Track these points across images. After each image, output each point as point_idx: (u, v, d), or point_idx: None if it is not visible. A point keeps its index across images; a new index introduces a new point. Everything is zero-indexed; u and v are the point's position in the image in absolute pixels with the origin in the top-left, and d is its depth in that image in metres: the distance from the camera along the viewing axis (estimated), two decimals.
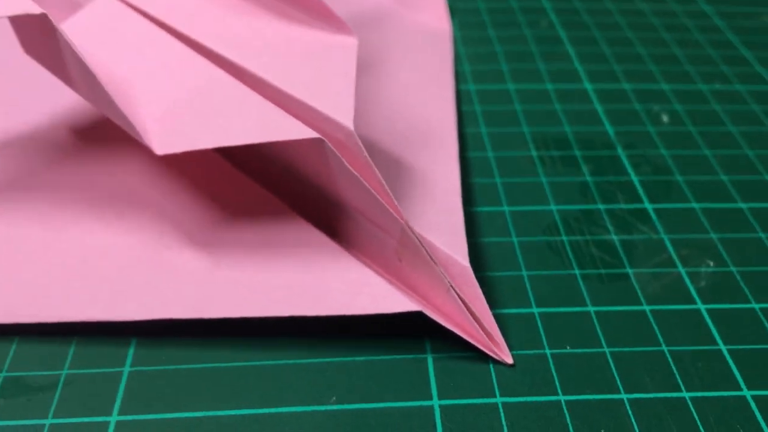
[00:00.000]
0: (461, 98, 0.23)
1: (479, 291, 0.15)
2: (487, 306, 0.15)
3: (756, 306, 0.16)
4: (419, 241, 0.15)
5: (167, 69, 0.16)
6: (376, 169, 0.15)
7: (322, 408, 0.14)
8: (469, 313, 0.15)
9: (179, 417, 0.14)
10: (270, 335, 0.15)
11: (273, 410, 0.14)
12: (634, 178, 0.20)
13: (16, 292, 0.16)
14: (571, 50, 0.25)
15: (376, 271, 0.16)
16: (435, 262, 0.15)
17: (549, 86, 0.24)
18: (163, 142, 0.15)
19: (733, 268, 0.17)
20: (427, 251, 0.15)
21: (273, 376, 0.15)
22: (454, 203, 0.17)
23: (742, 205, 0.19)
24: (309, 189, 0.16)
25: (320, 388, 0.15)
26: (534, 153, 0.21)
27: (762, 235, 0.18)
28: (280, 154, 0.16)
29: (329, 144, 0.14)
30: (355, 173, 0.14)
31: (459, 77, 0.24)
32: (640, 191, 0.20)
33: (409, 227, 0.15)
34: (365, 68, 0.23)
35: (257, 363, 0.15)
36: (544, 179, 0.20)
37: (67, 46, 0.15)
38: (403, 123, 0.20)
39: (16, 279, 0.16)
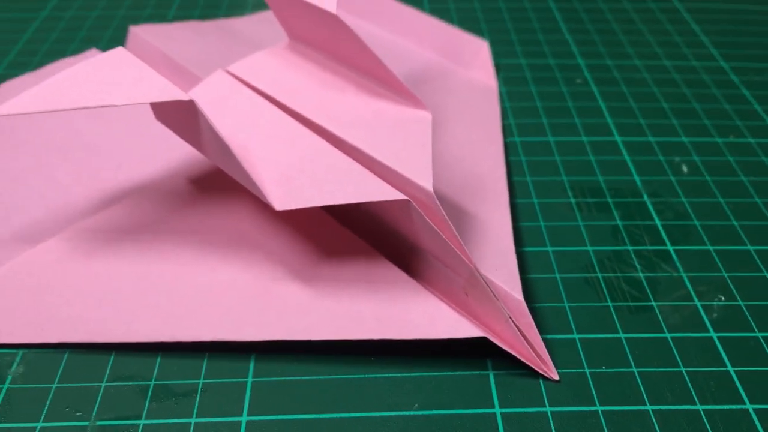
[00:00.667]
0: (508, 149, 0.27)
1: (531, 320, 0.19)
2: (537, 333, 0.19)
3: (759, 335, 0.20)
4: (485, 281, 0.19)
5: (278, 138, 0.20)
6: (450, 223, 0.18)
7: (407, 413, 0.18)
8: (523, 338, 0.19)
9: (295, 418, 0.18)
10: (362, 353, 0.19)
11: (367, 414, 0.18)
12: (658, 223, 0.24)
13: (157, 317, 0.19)
14: (602, 105, 0.29)
15: (446, 303, 0.20)
16: (497, 298, 0.18)
17: (584, 138, 0.27)
18: (281, 201, 0.18)
19: (741, 303, 0.21)
20: (490, 289, 0.18)
21: (366, 386, 0.18)
22: (507, 245, 0.21)
23: (750, 248, 0.23)
24: (392, 236, 0.20)
25: (404, 397, 0.18)
26: (572, 200, 0.24)
27: (767, 274, 0.22)
28: (370, 208, 0.20)
29: (414, 204, 0.18)
30: (435, 228, 0.18)
31: (505, 130, 0.28)
32: (663, 234, 0.23)
33: (477, 270, 0.19)
34: (436, 121, 0.27)
35: (353, 376, 0.19)
36: (581, 223, 0.24)
37: (206, 121, 0.19)
38: (461, 175, 0.24)
39: (156, 306, 0.20)
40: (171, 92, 0.18)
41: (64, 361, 0.19)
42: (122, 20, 0.35)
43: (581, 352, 0.19)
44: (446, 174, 0.24)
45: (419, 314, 0.19)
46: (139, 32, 0.30)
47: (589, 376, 0.19)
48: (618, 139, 0.27)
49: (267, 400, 0.18)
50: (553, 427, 0.18)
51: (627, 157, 0.26)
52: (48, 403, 0.18)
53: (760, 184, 0.25)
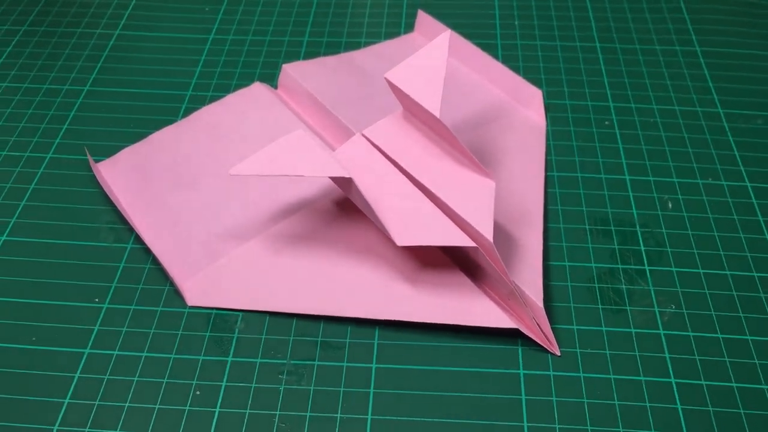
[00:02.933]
0: (548, 182, 0.38)
1: (546, 318, 0.31)
2: (549, 325, 0.31)
3: (691, 334, 0.32)
4: (518, 292, 0.31)
5: (396, 194, 0.32)
6: (500, 259, 0.30)
7: (469, 369, 0.31)
8: (539, 329, 0.31)
9: (399, 367, 0.31)
10: (443, 330, 0.32)
11: (442, 368, 0.31)
12: (642, 248, 0.35)
13: (319, 297, 0.32)
14: (620, 146, 0.40)
15: (496, 302, 0.32)
16: (525, 304, 0.31)
17: (603, 176, 0.39)
18: (400, 239, 0.31)
19: (684, 311, 0.33)
20: (521, 298, 0.31)
21: (443, 351, 0.31)
22: (537, 264, 0.33)
23: (701, 271, 0.34)
24: (467, 257, 0.33)
25: (467, 359, 0.31)
26: (587, 226, 0.36)
27: (707, 291, 0.34)
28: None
29: (481, 250, 0.30)
30: (491, 263, 0.30)
31: (548, 164, 0.39)
32: (644, 257, 0.35)
33: (515, 285, 0.31)
34: (491, 157, 0.38)
35: (433, 343, 0.32)
36: (590, 245, 0.35)
37: (356, 186, 0.31)
38: (512, 207, 0.36)
39: (319, 289, 0.33)
40: (337, 170, 0.31)
41: (266, 322, 0.32)
42: (270, 45, 0.47)
43: (576, 338, 0.32)
44: (503, 206, 0.36)
45: (476, 309, 0.32)
46: (288, 70, 0.42)
47: (579, 354, 0.31)
48: (627, 177, 0.39)
49: (385, 354, 0.31)
50: (552, 385, 0.30)
51: (630, 194, 0.38)
52: (261, 347, 0.32)
53: (721, 220, 0.37)
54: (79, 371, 0.31)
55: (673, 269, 0.34)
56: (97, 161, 0.39)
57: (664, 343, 0.32)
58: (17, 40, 0.47)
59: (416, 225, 0.31)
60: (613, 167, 0.39)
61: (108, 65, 0.45)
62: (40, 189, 0.38)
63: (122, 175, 0.38)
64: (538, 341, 0.31)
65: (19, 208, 0.37)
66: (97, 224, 0.36)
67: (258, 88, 0.42)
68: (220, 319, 0.33)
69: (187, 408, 0.30)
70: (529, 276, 0.33)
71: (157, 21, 0.49)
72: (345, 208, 0.36)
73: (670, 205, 0.37)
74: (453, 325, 0.32)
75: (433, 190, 0.32)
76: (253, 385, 0.30)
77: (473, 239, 0.31)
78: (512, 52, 0.46)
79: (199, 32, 0.48)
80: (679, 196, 0.38)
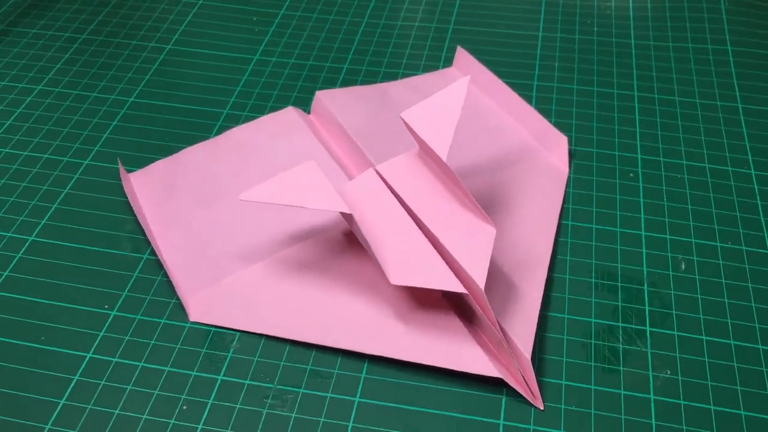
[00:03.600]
0: (560, 230, 0.38)
1: (532, 370, 0.31)
2: (534, 378, 0.31)
3: (682, 402, 0.31)
4: (508, 343, 0.31)
5: (398, 234, 0.33)
6: (491, 310, 0.31)
7: (447, 413, 0.31)
8: (524, 381, 0.31)
9: (380, 404, 0.31)
10: (430, 371, 0.32)
11: (421, 409, 0.31)
12: (647, 308, 0.35)
13: (316, 326, 0.33)
14: (641, 201, 0.40)
15: (487, 349, 0.32)
16: (511, 355, 0.31)
17: (617, 229, 0.38)
18: (394, 277, 0.31)
19: (679, 377, 0.32)
20: (509, 349, 0.31)
21: (425, 392, 0.32)
22: (532, 315, 0.33)
23: (704, 338, 0.34)
24: (461, 299, 0.33)
25: (451, 403, 0.31)
26: (593, 280, 0.36)
27: (708, 360, 0.33)
28: None
29: (471, 297, 0.31)
30: (480, 310, 0.31)
31: (563, 212, 0.39)
32: (647, 317, 0.34)
33: (505, 336, 0.31)
34: (506, 200, 0.39)
35: (416, 383, 0.32)
36: (593, 299, 0.35)
37: (356, 222, 0.32)
38: (517, 255, 0.36)
39: (317, 319, 0.33)
40: (340, 205, 0.32)
41: (261, 344, 0.33)
42: (310, 70, 0.48)
43: (563, 394, 0.32)
44: (508, 252, 0.36)
45: (464, 355, 0.32)
46: (321, 97, 0.43)
47: (563, 410, 0.31)
48: (643, 233, 0.38)
49: (370, 389, 0.32)
50: None
51: (644, 250, 0.37)
52: (252, 368, 0.33)
53: (734, 287, 0.36)
54: (78, 374, 0.32)
55: (675, 333, 0.34)
56: (129, 171, 0.41)
57: (653, 409, 0.31)
58: (75, 48, 0.50)
59: (412, 265, 0.32)
60: (630, 221, 0.39)
61: (155, 78, 0.47)
62: (72, 194, 0.40)
63: (150, 187, 0.40)
64: (523, 393, 0.31)
65: (51, 211, 0.39)
66: (119, 233, 0.38)
67: (290, 113, 0.43)
68: (218, 336, 0.34)
69: (172, 421, 0.31)
70: (522, 326, 0.33)
71: (207, 38, 0.51)
72: (353, 241, 0.36)
73: (683, 266, 0.37)
74: (440, 367, 0.32)
75: (434, 232, 0.33)
76: (238, 406, 0.31)
77: (466, 284, 0.31)
78: (547, 94, 0.46)
79: (245, 52, 0.49)
80: (694, 258, 0.37)
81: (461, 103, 0.34)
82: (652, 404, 0.31)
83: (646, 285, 0.36)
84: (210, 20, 0.52)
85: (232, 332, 0.34)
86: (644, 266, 0.37)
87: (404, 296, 0.34)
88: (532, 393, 0.31)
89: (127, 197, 0.39)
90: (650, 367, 0.33)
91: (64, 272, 0.36)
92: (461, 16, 0.53)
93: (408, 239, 0.33)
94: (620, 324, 0.34)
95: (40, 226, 0.38)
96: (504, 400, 0.32)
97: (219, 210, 0.38)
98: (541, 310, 0.35)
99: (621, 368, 0.33)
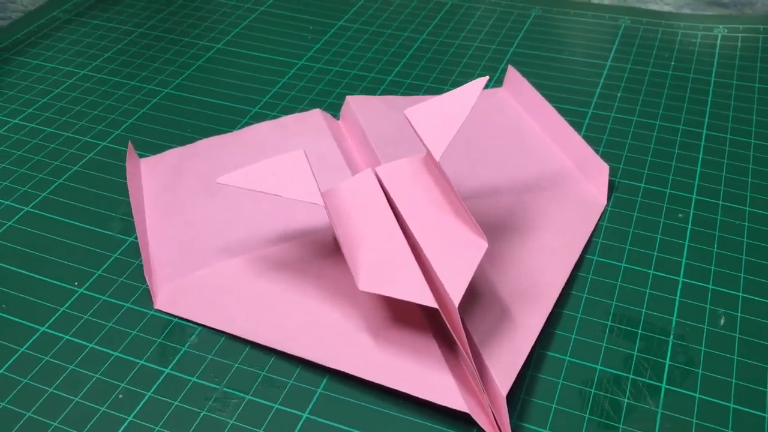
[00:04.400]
0: (582, 264, 0.33)
1: (505, 411, 0.26)
2: (507, 419, 0.26)
3: None
4: (478, 377, 0.27)
5: (381, 239, 0.29)
6: (463, 332, 0.26)
7: None
8: (495, 423, 0.26)
9: (331, 424, 0.27)
10: (395, 394, 0.28)
11: None
12: (667, 362, 0.29)
13: (282, 331, 0.30)
14: (686, 244, 0.34)
15: (462, 380, 0.28)
16: (483, 390, 0.26)
17: (651, 271, 0.33)
18: (363, 283, 0.28)
19: None
20: (480, 383, 0.26)
21: (387, 419, 0.28)
22: (523, 349, 0.29)
23: (731, 405, 0.28)
24: (443, 320, 0.29)
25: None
26: (608, 323, 0.31)
27: None
28: None
29: (442, 314, 0.27)
30: (451, 331, 0.27)
31: (589, 246, 0.34)
32: (665, 373, 0.29)
33: (476, 369, 0.27)
34: (527, 224, 0.34)
35: (377, 408, 0.28)
36: (603, 344, 0.30)
37: (332, 220, 0.29)
38: (524, 283, 0.31)
39: (284, 323, 0.30)
40: (314, 197, 0.28)
41: (220, 342, 0.30)
42: (352, 78, 0.46)
43: None
44: (511, 279, 0.32)
45: (432, 382, 0.27)
46: (350, 101, 0.41)
47: None
48: (680, 279, 0.33)
49: (322, 406, 0.28)
50: None
51: (677, 298, 0.32)
52: (203, 366, 0.30)
53: None
54: (25, 347, 0.30)
55: (697, 395, 0.28)
56: (142, 157, 0.39)
57: None
58: (129, 40, 0.50)
59: (385, 273, 0.28)
60: (669, 265, 0.33)
61: (196, 74, 0.46)
62: (81, 172, 0.39)
63: (157, 173, 0.38)
64: None
65: (54, 185, 0.38)
66: (113, 214, 0.37)
67: (315, 115, 0.41)
68: (179, 328, 0.31)
69: (103, 409, 0.28)
70: (506, 360, 0.28)
71: (258, 41, 0.49)
72: (336, 246, 0.33)
73: (722, 321, 0.31)
74: (405, 393, 0.28)
75: (418, 239, 0.29)
76: (176, 403, 0.28)
77: (441, 300, 0.27)
78: (601, 123, 0.41)
79: (291, 57, 0.48)
80: (738, 314, 0.31)
81: (471, 105, 0.30)
82: None
83: (671, 336, 0.30)
84: (266, 25, 0.51)
85: (194, 326, 0.31)
86: (674, 315, 0.31)
87: (381, 310, 0.30)
88: None
89: (126, 179, 0.38)
90: (656, 431, 0.27)
91: (47, 245, 0.35)
92: (526, 40, 0.49)
93: (388, 245, 0.29)
94: (630, 375, 0.29)
95: (38, 198, 0.37)
96: None
97: (217, 202, 0.36)
98: (538, 348, 0.30)
99: (620, 426, 0.27)
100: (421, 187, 0.31)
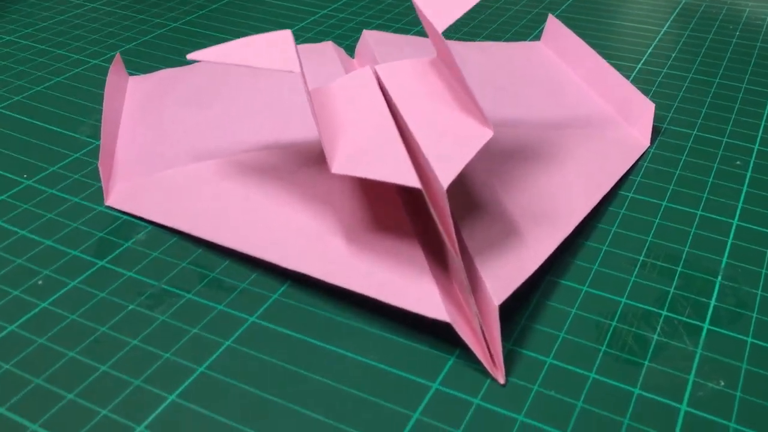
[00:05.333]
0: (613, 201, 0.28)
1: (498, 326, 0.21)
2: (499, 339, 0.21)
3: (731, 425, 0.19)
4: (467, 280, 0.21)
5: (368, 124, 0.24)
6: (452, 224, 0.21)
7: (362, 359, 0.21)
8: (483, 339, 0.21)
9: (285, 332, 0.22)
10: (365, 307, 0.23)
11: (334, 349, 0.21)
12: (712, 303, 0.23)
13: (244, 233, 0.25)
14: (744, 189, 0.28)
15: (450, 296, 0.22)
16: (470, 294, 0.21)
17: (699, 212, 0.27)
18: (338, 165, 0.23)
19: (738, 394, 0.20)
20: (468, 287, 0.21)
21: (350, 330, 0.22)
22: (528, 267, 0.23)
23: None
24: (435, 232, 0.24)
25: (371, 348, 0.21)
26: (641, 257, 0.25)
27: None
28: (414, 192, 0.24)
29: (426, 194, 0.21)
30: (436, 217, 0.21)
31: (626, 184, 0.29)
32: (709, 313, 0.23)
33: (463, 268, 0.21)
34: (550, 154, 0.29)
35: (343, 320, 0.22)
36: (632, 278, 0.24)
37: (306, 88, 0.24)
38: (539, 200, 0.26)
39: (247, 226, 0.25)
40: (292, 65, 0.24)
41: (171, 242, 0.26)
42: (376, 28, 0.41)
43: (542, 374, 0.21)
44: (526, 200, 0.26)
45: (411, 289, 0.22)
46: (367, 36, 0.37)
47: (533, 392, 0.20)
48: (735, 222, 0.27)
49: (274, 312, 0.23)
50: (468, 416, 0.20)
51: (730, 240, 0.26)
52: (144, 263, 0.25)
53: None
54: None
55: (749, 339, 0.22)
56: (132, 75, 0.36)
57: (680, 424, 0.19)
58: None
59: (366, 156, 0.23)
60: (720, 207, 0.27)
61: (209, 14, 0.43)
62: (63, 83, 0.35)
63: (145, 87, 0.34)
64: (478, 356, 0.21)
65: (31, 91, 0.35)
66: (85, 119, 0.33)
67: (327, 46, 0.37)
68: (127, 225, 0.26)
69: (16, 293, 0.23)
70: (505, 274, 0.23)
71: None
72: (322, 156, 0.28)
73: None
74: (380, 306, 0.23)
75: (411, 128, 0.24)
76: (101, 295, 0.23)
77: (428, 185, 0.22)
78: (651, 77, 0.36)
79: (313, 6, 0.44)
80: None
81: None
82: (681, 417, 0.20)
83: (720, 277, 0.24)
84: None
85: (145, 225, 0.27)
86: (725, 257, 0.25)
87: (362, 214, 0.25)
88: (491, 357, 0.21)
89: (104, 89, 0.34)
90: (694, 372, 0.21)
91: (8, 141, 0.31)
92: (573, 7, 0.44)
93: (375, 130, 0.24)
94: (664, 312, 0.23)
95: (10, 101, 0.34)
96: (450, 361, 0.21)
97: (205, 112, 0.32)
98: (549, 275, 0.24)
99: (645, 363, 0.21)
100: (423, 85, 0.26)
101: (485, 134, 0.23)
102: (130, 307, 0.23)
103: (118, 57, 0.34)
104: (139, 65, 0.37)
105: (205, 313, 0.23)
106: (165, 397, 0.20)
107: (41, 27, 0.41)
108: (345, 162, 0.23)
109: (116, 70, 0.34)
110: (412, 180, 0.22)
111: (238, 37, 0.40)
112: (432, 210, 0.22)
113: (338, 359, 0.21)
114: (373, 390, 0.20)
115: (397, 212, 0.25)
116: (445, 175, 0.21)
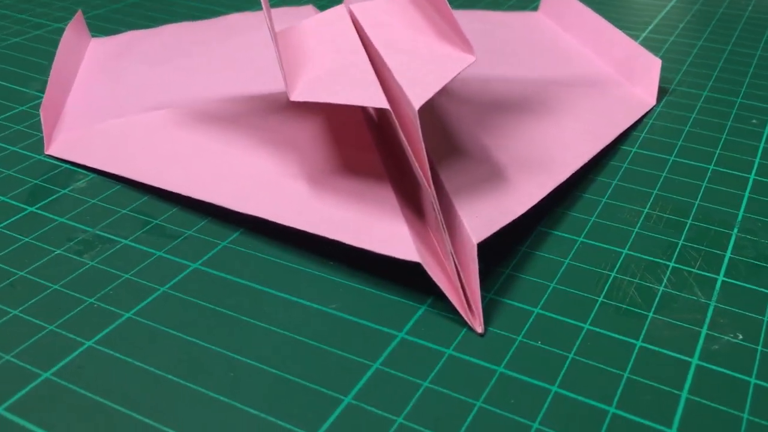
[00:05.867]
0: (615, 155, 0.25)
1: (476, 268, 0.18)
2: (477, 282, 0.17)
3: (753, 381, 0.16)
4: (439, 210, 0.18)
5: (336, 52, 0.21)
6: (424, 150, 0.18)
7: (324, 308, 0.18)
8: (459, 282, 0.18)
9: (236, 280, 0.19)
10: (326, 253, 0.20)
11: (297, 299, 0.18)
12: (728, 255, 0.20)
13: (195, 178, 0.22)
14: (762, 146, 0.25)
15: (425, 242, 0.19)
16: (444, 230, 0.18)
17: (712, 167, 0.24)
18: (298, 92, 0.20)
19: (759, 347, 0.17)
20: (442, 219, 0.18)
21: (312, 279, 0.19)
22: (512, 210, 0.20)
23: None
24: (403, 152, 0.21)
25: (337, 296, 0.18)
26: (646, 210, 0.22)
27: None
28: (384, 120, 0.21)
29: (394, 116, 0.18)
30: (407, 147, 0.18)
31: (630, 139, 0.26)
32: (724, 265, 0.20)
33: (436, 197, 0.18)
34: (546, 107, 0.26)
35: (304, 268, 0.19)
36: (636, 229, 0.21)
37: (270, 21, 0.21)
38: (530, 148, 0.23)
39: (199, 171, 0.22)
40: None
41: (113, 190, 0.23)
42: None
43: (528, 324, 0.18)
44: (517, 147, 0.23)
45: (378, 230, 0.19)
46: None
47: (516, 343, 0.17)
48: (752, 176, 0.24)
49: (220, 259, 0.20)
50: (437, 367, 0.16)
51: (746, 194, 0.23)
52: (79, 210, 0.22)
53: None
54: None
55: (767, 291, 0.19)
56: (95, 37, 0.33)
57: (690, 378, 0.16)
58: None
59: (330, 82, 0.20)
60: (735, 163, 0.24)
61: None
62: (20, 43, 0.33)
63: (106, 47, 0.32)
64: (451, 299, 0.18)
65: None
66: (38, 75, 0.30)
67: (307, 9, 0.35)
68: (67, 174, 0.24)
69: None
70: (486, 215, 0.19)
71: None
72: (295, 106, 0.26)
73: None
74: (344, 254, 0.19)
75: (382, 54, 0.21)
76: (26, 240, 0.20)
77: (398, 111, 0.19)
78: (658, 44, 0.33)
79: None
80: None
81: None
82: (692, 371, 0.16)
83: (736, 230, 0.21)
84: None
85: (87, 173, 0.24)
86: (741, 210, 0.22)
87: (329, 158, 0.22)
88: (467, 304, 0.18)
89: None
90: (707, 324, 0.18)
91: None
92: None
93: (342, 57, 0.21)
94: (672, 263, 0.20)
95: None
96: (421, 310, 0.18)
97: (164, 68, 0.29)
98: (539, 226, 0.21)
99: (650, 314, 0.18)
100: (401, 19, 0.23)
101: (465, 59, 0.20)
102: (56, 252, 0.20)
103: (79, 14, 0.31)
104: (106, 29, 0.35)
105: (142, 259, 0.20)
106: (81, 343, 0.17)
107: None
108: (306, 88, 0.20)
109: (75, 26, 0.31)
110: (378, 100, 0.19)
111: (213, 6, 0.38)
112: (404, 141, 0.19)
113: (290, 306, 0.18)
114: (329, 340, 0.17)
115: (368, 154, 0.22)
116: (417, 96, 0.19)
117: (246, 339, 0.17)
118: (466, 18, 0.35)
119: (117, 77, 0.29)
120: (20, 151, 0.25)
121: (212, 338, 0.17)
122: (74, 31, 0.31)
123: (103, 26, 0.35)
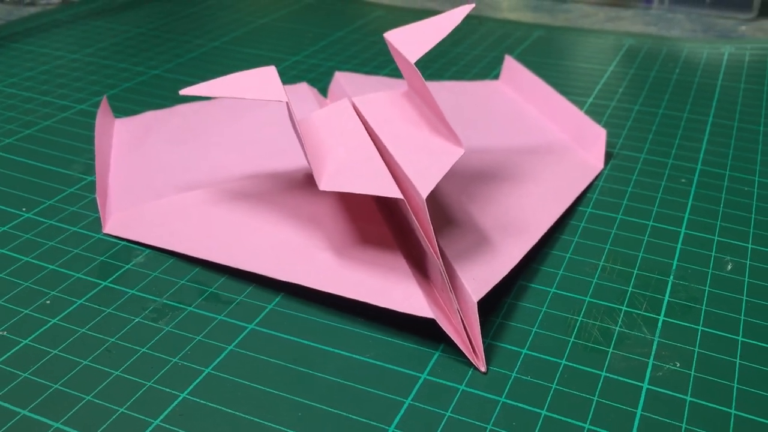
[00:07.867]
0: (573, 215, 0.30)
1: (477, 320, 0.23)
2: (479, 331, 0.23)
3: (688, 399, 0.22)
4: (447, 279, 0.23)
5: (349, 147, 0.27)
6: (431, 225, 0.23)
7: (361, 358, 0.23)
8: (464, 331, 0.23)
9: (288, 338, 0.24)
10: (355, 313, 0.25)
11: (336, 351, 0.23)
12: (666, 298, 0.26)
13: (237, 251, 0.27)
14: (689, 202, 0.31)
15: (431, 298, 0.24)
16: (451, 291, 0.23)
17: (650, 223, 0.30)
18: (325, 182, 0.25)
19: (692, 372, 0.23)
20: (449, 285, 0.23)
21: (345, 334, 0.24)
22: (500, 270, 0.25)
23: (739, 339, 0.24)
24: (416, 244, 0.26)
25: (368, 348, 0.24)
26: (601, 263, 0.28)
27: (739, 362, 0.23)
28: (394, 205, 0.26)
29: (407, 203, 0.24)
30: (417, 225, 0.24)
31: (584, 200, 0.31)
32: (663, 307, 0.25)
33: (444, 269, 0.23)
34: (514, 175, 0.32)
35: (340, 325, 0.24)
36: (594, 280, 0.27)
37: (294, 117, 0.26)
38: (506, 215, 0.29)
39: (239, 244, 0.27)
40: (280, 95, 0.26)
41: (168, 263, 0.28)
42: (351, 67, 0.44)
43: (519, 362, 0.23)
44: (496, 214, 0.29)
45: (396, 291, 0.24)
46: (339, 78, 0.40)
47: (512, 378, 0.22)
48: (683, 230, 0.30)
49: (272, 319, 0.25)
50: (454, 400, 0.22)
51: (679, 245, 0.29)
52: (145, 282, 0.26)
53: None
54: None
55: (700, 327, 0.25)
56: (118, 117, 0.38)
57: (642, 400, 0.22)
58: (126, 36, 0.49)
59: (350, 173, 0.25)
60: (670, 219, 0.30)
61: (189, 62, 0.45)
62: (52, 126, 0.37)
63: (131, 128, 0.36)
64: (460, 346, 0.23)
65: (20, 134, 0.36)
66: (77, 158, 0.35)
67: (301, 87, 0.40)
68: (126, 250, 0.28)
69: (26, 311, 0.25)
70: (482, 276, 0.25)
71: (255, 42, 0.49)
72: (312, 182, 0.31)
73: (729, 267, 0.27)
74: (369, 312, 0.25)
75: (389, 148, 0.26)
76: (108, 311, 0.25)
77: (409, 196, 0.24)
78: (600, 110, 0.40)
79: (287, 53, 0.47)
80: (747, 261, 0.28)
81: (452, 27, 0.29)
82: (644, 393, 0.22)
83: (672, 277, 0.27)
84: (266, 31, 0.51)
85: (142, 248, 0.28)
86: (675, 260, 0.28)
87: (347, 232, 0.28)
88: (473, 350, 0.23)
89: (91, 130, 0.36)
90: (653, 356, 0.23)
91: (7, 179, 0.33)
92: (527, 52, 0.48)
93: (357, 151, 0.26)
94: (623, 307, 0.25)
95: (2, 143, 0.35)
96: (436, 355, 0.23)
97: (186, 148, 0.34)
98: (520, 280, 0.27)
99: (609, 350, 0.24)
100: (398, 112, 0.29)
101: (457, 151, 0.26)
102: (135, 320, 0.25)
103: (105, 100, 0.36)
104: (123, 109, 0.39)
105: (207, 323, 0.25)
106: (177, 395, 0.22)
107: (26, 77, 0.43)
108: (331, 179, 0.25)
109: (104, 111, 0.36)
110: (394, 191, 0.24)
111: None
112: (413, 220, 0.24)
113: (335, 358, 0.23)
114: (370, 382, 0.22)
115: (379, 228, 0.28)
116: (424, 186, 0.24)
117: (305, 385, 0.22)
118: (435, 88, 0.41)
119: (147, 157, 0.34)
120: (80, 231, 0.29)
121: (279, 386, 0.22)
122: (103, 116, 0.36)
123: (119, 106, 0.40)
